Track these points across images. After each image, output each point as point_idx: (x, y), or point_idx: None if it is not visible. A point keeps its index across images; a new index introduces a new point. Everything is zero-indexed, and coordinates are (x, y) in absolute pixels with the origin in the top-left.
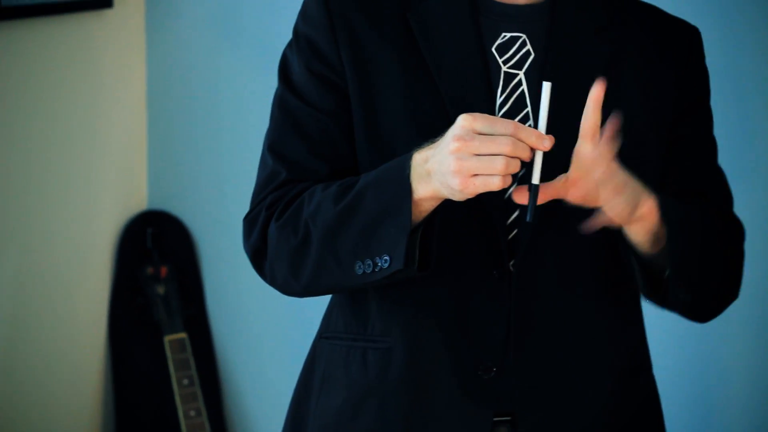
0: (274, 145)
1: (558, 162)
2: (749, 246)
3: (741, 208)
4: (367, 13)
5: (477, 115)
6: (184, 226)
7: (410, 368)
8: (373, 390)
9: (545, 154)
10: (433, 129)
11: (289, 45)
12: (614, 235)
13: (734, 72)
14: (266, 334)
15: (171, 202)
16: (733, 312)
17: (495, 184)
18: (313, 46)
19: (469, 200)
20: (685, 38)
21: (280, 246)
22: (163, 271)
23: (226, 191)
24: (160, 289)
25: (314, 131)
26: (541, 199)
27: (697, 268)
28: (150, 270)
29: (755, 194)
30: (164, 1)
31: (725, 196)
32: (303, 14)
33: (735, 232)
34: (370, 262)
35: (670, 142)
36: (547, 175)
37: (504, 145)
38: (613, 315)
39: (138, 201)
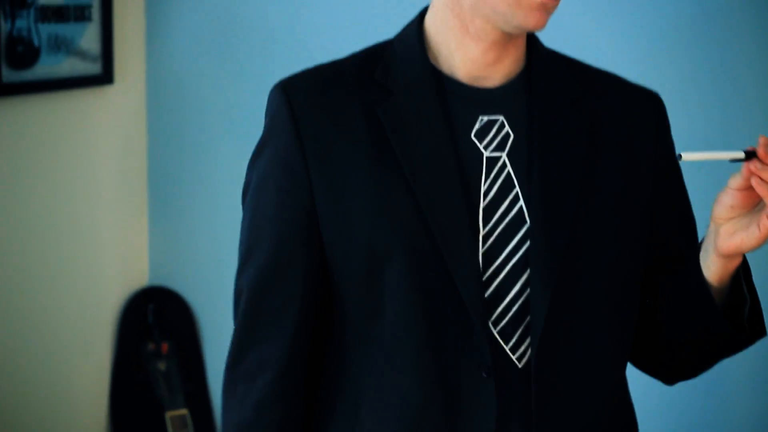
0: (244, 284)
1: (557, 236)
2: None
3: None
4: (332, 113)
5: None
6: (185, 302)
7: None
8: None
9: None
10: (406, 227)
11: (251, 159)
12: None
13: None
14: None
15: (172, 278)
16: None
17: None
18: (278, 159)
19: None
20: (651, 104)
21: (227, 414)
22: (164, 347)
23: (226, 268)
24: (162, 365)
25: (267, 265)
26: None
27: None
28: (151, 346)
29: None
30: (164, 78)
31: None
32: (269, 124)
33: None
34: None
35: (652, 204)
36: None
37: None
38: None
39: (139, 277)
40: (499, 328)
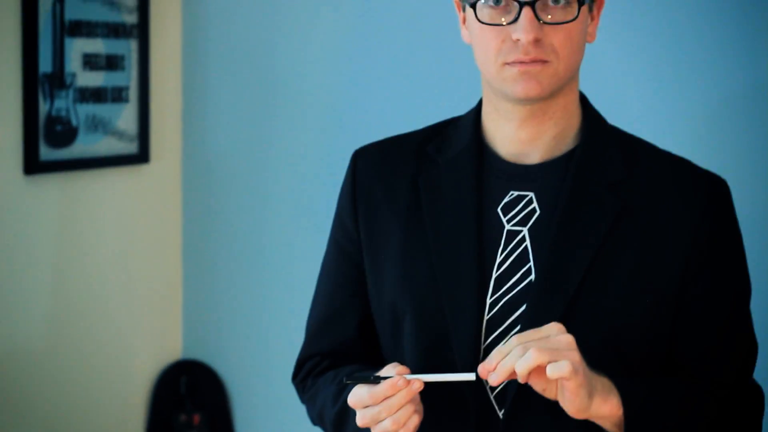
0: (309, 313)
1: (551, 313)
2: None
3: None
4: (385, 180)
5: (362, 397)
6: (217, 375)
7: None
8: None
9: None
10: (421, 290)
11: None
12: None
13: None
14: None
15: (205, 351)
16: None
17: None
18: (340, 216)
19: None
20: (704, 192)
21: (307, 409)
22: (196, 419)
23: (258, 342)
24: None
25: (325, 309)
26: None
27: None
28: (183, 417)
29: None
30: (200, 157)
31: (737, 366)
32: (341, 187)
33: (741, 410)
34: None
35: (678, 303)
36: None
37: (385, 411)
38: None
39: (173, 350)
40: (495, 393)
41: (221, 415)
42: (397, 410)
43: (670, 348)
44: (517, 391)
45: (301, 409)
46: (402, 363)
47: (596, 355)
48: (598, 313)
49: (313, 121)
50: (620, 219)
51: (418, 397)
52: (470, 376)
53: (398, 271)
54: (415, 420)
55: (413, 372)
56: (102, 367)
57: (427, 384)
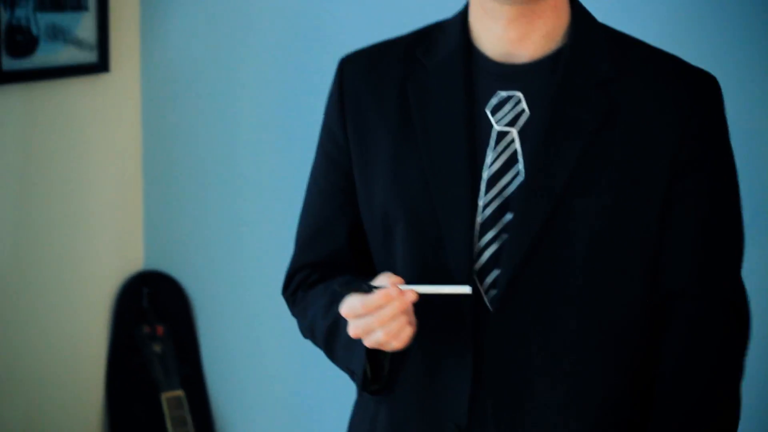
0: (298, 224)
1: (537, 212)
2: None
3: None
4: (373, 86)
5: (354, 306)
6: (179, 285)
7: (391, 421)
8: None
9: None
10: (412, 194)
11: None
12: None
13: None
14: (262, 391)
15: (166, 262)
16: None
17: (393, 346)
18: (328, 125)
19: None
20: (693, 88)
21: (298, 323)
22: (160, 330)
23: (220, 251)
24: (157, 348)
25: (314, 220)
26: None
27: None
28: (146, 329)
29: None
30: (160, 65)
31: (723, 269)
32: (328, 96)
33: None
34: (349, 372)
35: (666, 201)
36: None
37: (378, 322)
38: (598, 367)
39: (134, 261)
40: (489, 296)
41: (185, 326)
42: (390, 320)
43: (658, 257)
44: (506, 290)
45: (265, 319)
46: (394, 273)
47: (584, 255)
48: (585, 212)
49: (285, 24)
50: (608, 117)
51: (411, 309)
52: (466, 289)
53: (389, 176)
54: (408, 331)
55: (407, 282)
56: (63, 280)
57: (421, 295)
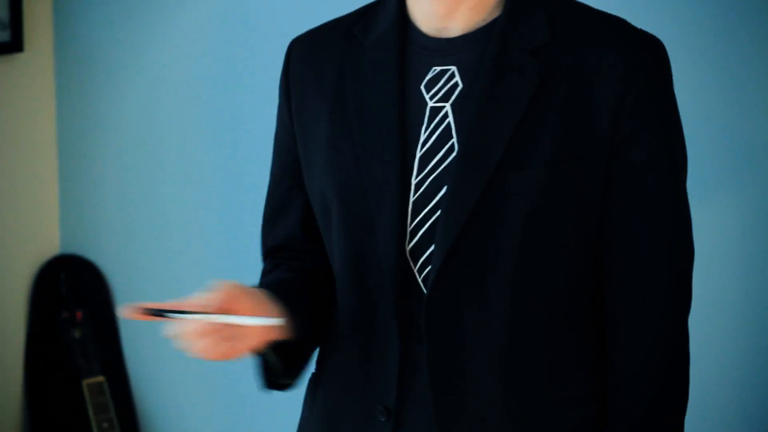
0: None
1: (471, 186)
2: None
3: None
4: (315, 67)
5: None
6: (97, 269)
7: (325, 404)
8: (304, 421)
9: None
10: (345, 176)
11: None
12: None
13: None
14: (183, 375)
15: (84, 245)
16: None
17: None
18: (279, 108)
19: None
20: (634, 53)
21: None
22: (79, 315)
23: (138, 233)
24: (77, 333)
25: (269, 203)
26: None
27: None
28: (65, 314)
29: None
30: (74, 46)
31: (668, 245)
32: (280, 77)
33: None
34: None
35: (607, 176)
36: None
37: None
38: (541, 344)
39: (50, 246)
40: (423, 276)
41: (104, 311)
42: (198, 349)
43: (601, 232)
44: (440, 268)
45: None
46: (332, 257)
47: (520, 231)
48: (521, 186)
49: (190, 4)
50: (544, 86)
51: (227, 327)
52: (277, 321)
53: (324, 158)
54: (224, 349)
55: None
56: None
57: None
